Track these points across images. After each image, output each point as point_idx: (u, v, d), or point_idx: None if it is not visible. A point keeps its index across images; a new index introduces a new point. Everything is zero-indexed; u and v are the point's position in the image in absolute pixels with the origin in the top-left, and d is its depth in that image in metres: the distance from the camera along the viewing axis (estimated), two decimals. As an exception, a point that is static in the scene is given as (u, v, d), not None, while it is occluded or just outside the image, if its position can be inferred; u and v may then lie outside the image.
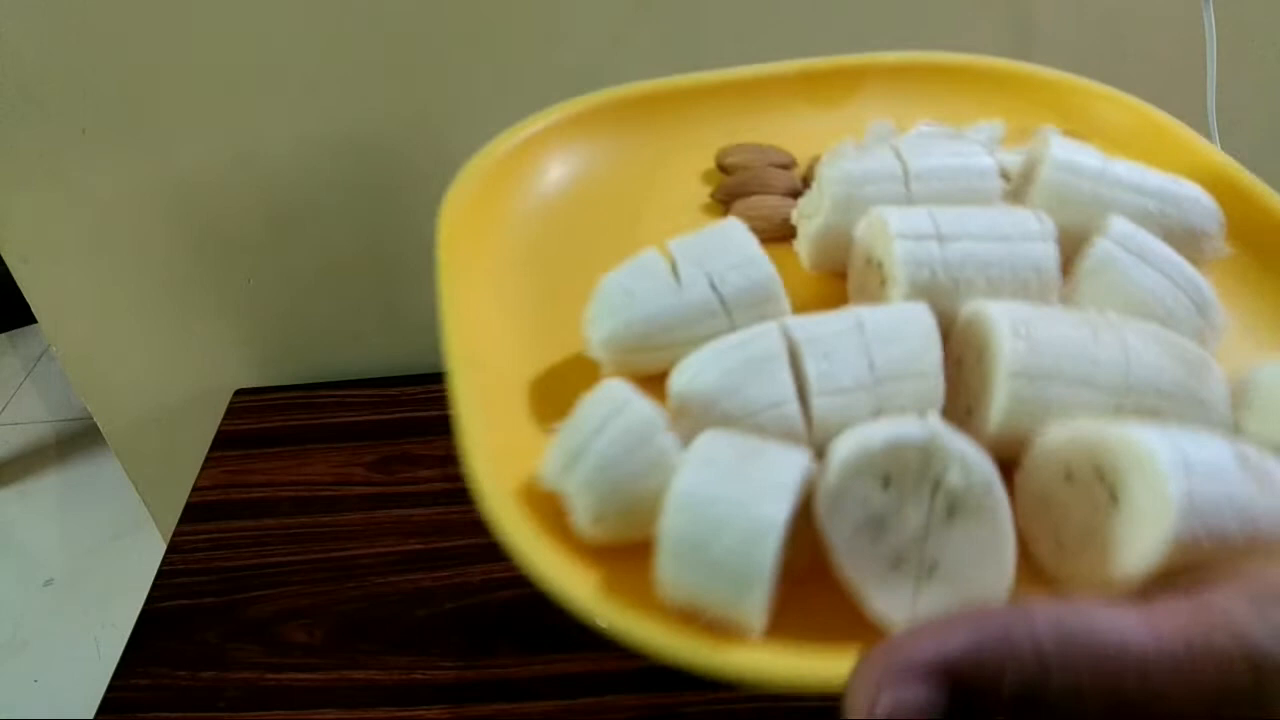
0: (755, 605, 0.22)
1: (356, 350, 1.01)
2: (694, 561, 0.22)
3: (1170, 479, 0.19)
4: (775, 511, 0.20)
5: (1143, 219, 0.27)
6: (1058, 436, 0.22)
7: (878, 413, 0.23)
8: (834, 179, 0.31)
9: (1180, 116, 0.82)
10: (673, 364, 0.26)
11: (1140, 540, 0.20)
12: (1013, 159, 0.32)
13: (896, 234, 0.26)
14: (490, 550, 0.80)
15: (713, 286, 0.27)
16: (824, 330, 0.25)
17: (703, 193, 0.36)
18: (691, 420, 0.23)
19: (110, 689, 0.72)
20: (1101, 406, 0.22)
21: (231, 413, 0.97)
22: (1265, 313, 0.28)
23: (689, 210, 0.36)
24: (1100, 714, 0.18)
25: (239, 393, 0.99)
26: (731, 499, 0.21)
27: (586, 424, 0.25)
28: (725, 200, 0.36)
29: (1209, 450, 0.20)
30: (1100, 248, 0.26)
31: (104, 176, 0.87)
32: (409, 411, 0.95)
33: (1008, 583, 0.20)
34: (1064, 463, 0.21)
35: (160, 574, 0.81)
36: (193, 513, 0.86)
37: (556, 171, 0.37)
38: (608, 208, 0.36)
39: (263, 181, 0.89)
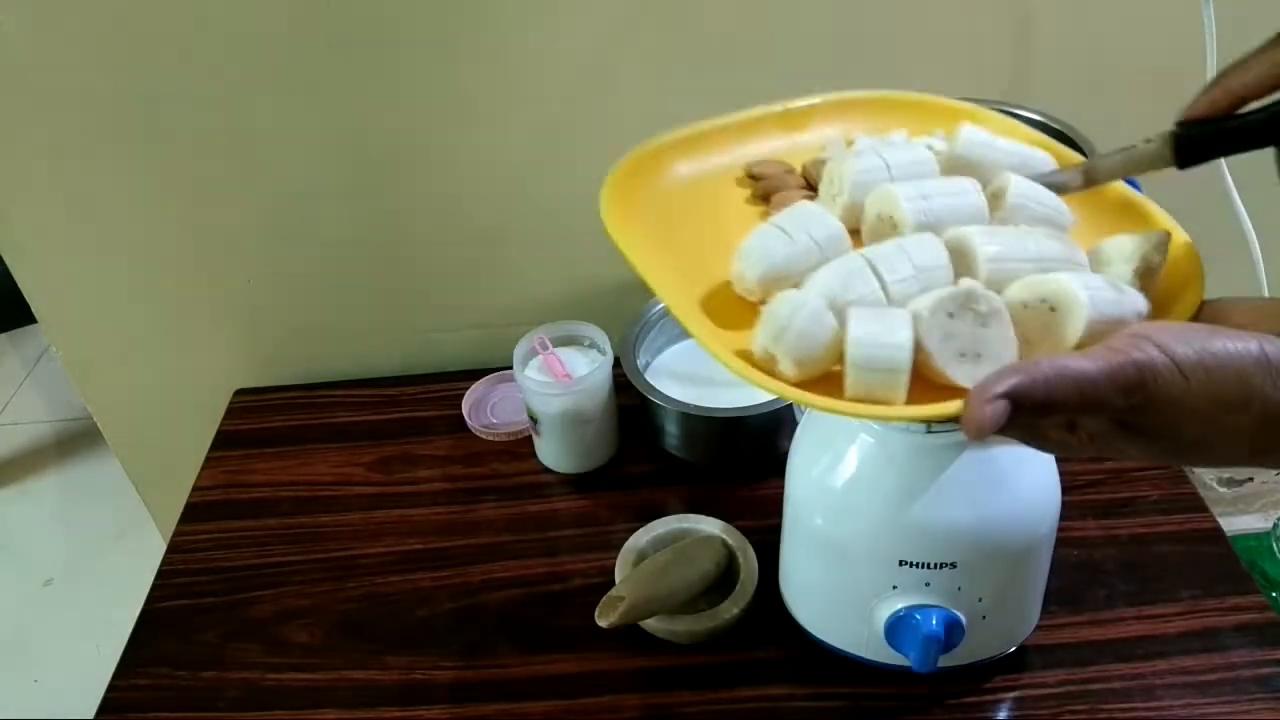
0: (900, 387, 0.39)
1: (356, 350, 1.01)
2: (867, 367, 0.39)
3: (1080, 294, 0.39)
4: (905, 335, 0.39)
5: (1018, 167, 0.50)
6: (1016, 287, 0.41)
7: (923, 289, 0.42)
8: (853, 171, 0.49)
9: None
10: (794, 288, 0.44)
11: (1071, 327, 0.40)
12: (939, 144, 0.52)
13: (904, 197, 0.46)
14: (490, 550, 0.81)
15: (811, 238, 0.46)
16: (883, 251, 0.44)
17: (744, 192, 0.53)
18: (834, 307, 0.42)
19: (110, 689, 0.72)
20: (1031, 270, 0.42)
21: (231, 413, 0.97)
22: (1083, 216, 0.49)
23: (740, 202, 0.53)
24: (1075, 409, 0.36)
25: (239, 393, 1.00)
26: (881, 334, 0.39)
27: (782, 313, 0.41)
28: (764, 196, 0.52)
29: (1093, 280, 0.40)
30: (1013, 194, 0.47)
31: (104, 176, 0.87)
32: (409, 411, 0.95)
33: (1015, 356, 0.40)
34: (1021, 300, 0.41)
35: (160, 574, 0.81)
36: (193, 513, 0.87)
37: (664, 171, 0.53)
38: (698, 197, 0.53)
39: (263, 182, 0.89)
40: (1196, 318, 0.42)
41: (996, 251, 0.42)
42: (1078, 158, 0.52)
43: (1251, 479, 1.30)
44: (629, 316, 0.88)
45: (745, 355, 0.43)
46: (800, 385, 0.41)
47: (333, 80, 0.83)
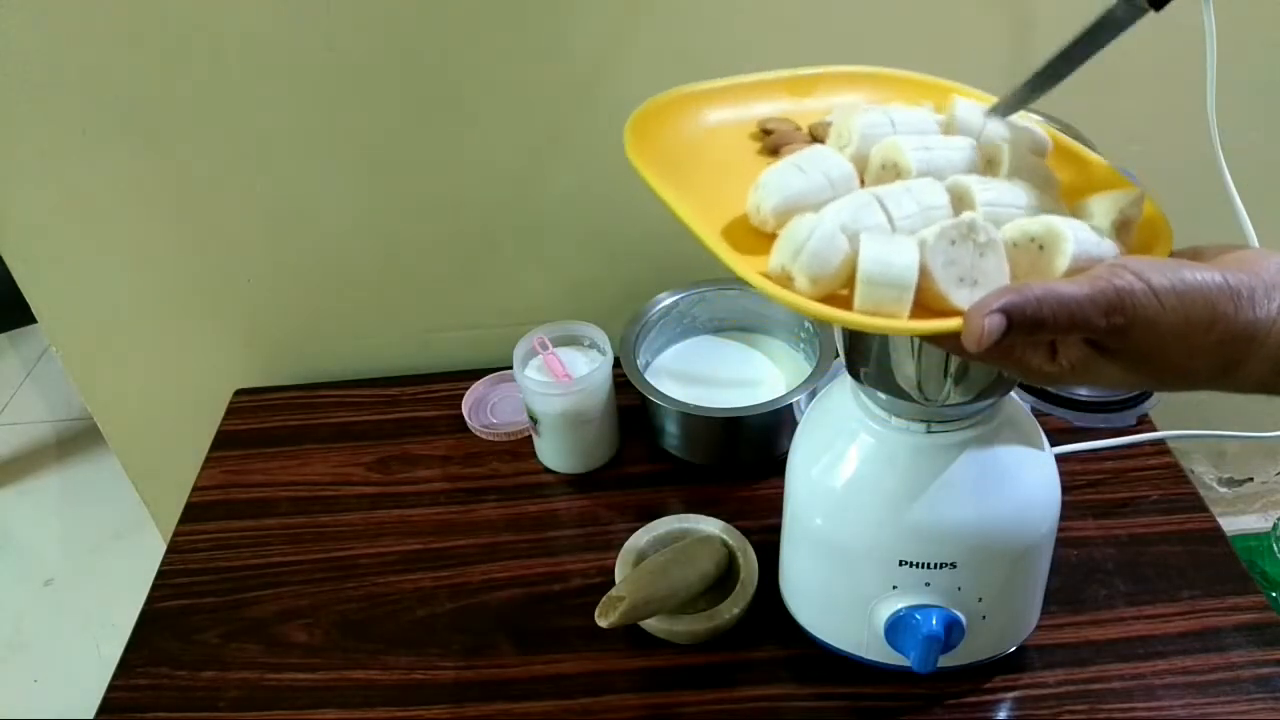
0: (905, 303, 0.43)
1: (356, 350, 1.01)
2: (877, 282, 0.43)
3: (1066, 232, 0.44)
4: (912, 256, 0.43)
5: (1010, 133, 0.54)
6: (1007, 228, 0.46)
7: (926, 224, 0.45)
8: (862, 123, 0.52)
9: (1180, 116, 0.82)
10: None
11: (1058, 263, 0.44)
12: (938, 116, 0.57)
13: (908, 148, 0.50)
14: (490, 550, 0.81)
15: (825, 175, 0.49)
16: (890, 191, 0.48)
17: (755, 145, 0.56)
18: (847, 233, 0.45)
19: (110, 689, 0.72)
20: (1021, 215, 0.47)
21: (231, 413, 0.97)
22: (1068, 180, 0.53)
23: (751, 153, 0.56)
24: (1062, 327, 0.40)
25: (239, 393, 1.00)
26: (891, 254, 0.43)
27: (799, 233, 0.44)
28: (773, 149, 0.55)
29: (1076, 223, 0.45)
30: (1007, 160, 0.51)
31: (104, 176, 0.87)
32: (409, 411, 0.95)
33: (1008, 281, 0.44)
34: (1013, 239, 0.45)
35: (160, 574, 0.81)
36: (193, 513, 0.87)
37: (683, 118, 0.57)
38: (712, 144, 0.56)
39: (263, 182, 0.89)
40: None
41: (992, 197, 0.47)
42: (1066, 140, 0.55)
43: (1251, 479, 1.30)
44: (629, 316, 0.88)
45: (762, 274, 0.46)
46: (813, 298, 0.44)
47: (332, 80, 0.83)
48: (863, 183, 0.51)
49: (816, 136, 0.55)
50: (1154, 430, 0.83)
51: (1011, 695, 0.66)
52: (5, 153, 0.85)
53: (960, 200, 0.47)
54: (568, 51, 0.83)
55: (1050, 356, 0.44)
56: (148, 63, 0.81)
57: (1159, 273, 0.40)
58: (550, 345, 0.85)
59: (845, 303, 0.44)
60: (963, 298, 0.43)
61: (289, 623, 0.76)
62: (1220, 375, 0.42)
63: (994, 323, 0.40)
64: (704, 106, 0.57)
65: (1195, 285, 0.40)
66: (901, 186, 0.47)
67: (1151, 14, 0.49)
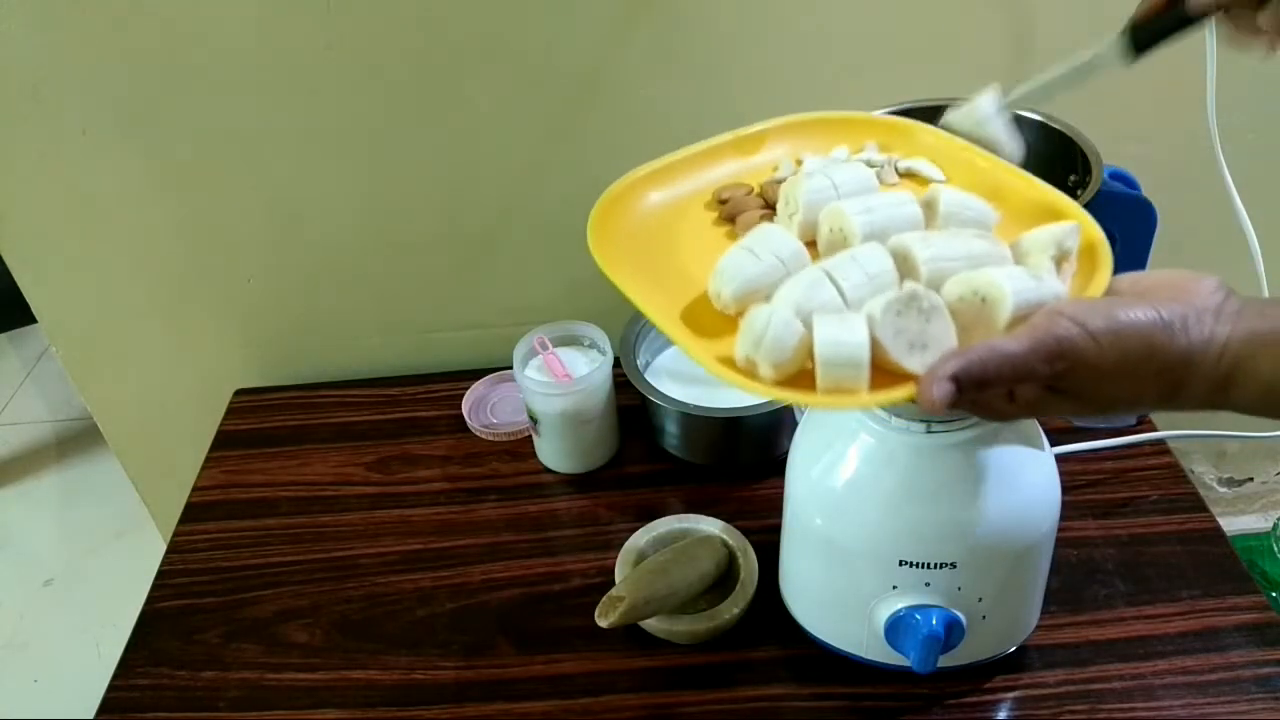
0: (863, 378, 0.45)
1: (356, 350, 1.01)
2: (834, 364, 0.45)
3: (1005, 286, 0.45)
4: (863, 334, 0.45)
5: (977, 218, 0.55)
6: (951, 284, 0.48)
7: (875, 292, 0.48)
8: (806, 190, 0.55)
9: (1180, 116, 0.82)
10: (764, 300, 0.49)
11: (1000, 315, 0.46)
12: (874, 155, 0.62)
13: (852, 213, 0.52)
14: (490, 550, 0.81)
15: (776, 256, 0.51)
16: (837, 262, 0.50)
17: (712, 214, 0.59)
18: (801, 315, 0.47)
19: (110, 689, 0.72)
20: (963, 267, 0.48)
21: (231, 413, 0.97)
22: (1007, 213, 0.55)
23: (710, 223, 0.59)
24: (1009, 380, 0.44)
25: (239, 393, 1.00)
26: (842, 334, 0.45)
27: (757, 324, 0.47)
28: (729, 218, 0.58)
29: (1014, 272, 0.47)
30: (944, 204, 0.53)
31: (104, 176, 0.87)
32: (409, 411, 0.95)
33: (955, 343, 0.46)
34: (958, 295, 0.47)
35: (160, 574, 0.81)
36: (193, 513, 0.87)
37: (641, 201, 0.59)
38: (671, 221, 0.59)
39: (263, 182, 0.89)
40: (1108, 292, 0.48)
41: (932, 254, 0.49)
42: (1053, 194, 0.57)
43: (1251, 479, 1.30)
44: (629, 316, 0.88)
45: (727, 361, 0.49)
46: (779, 384, 0.47)
47: (332, 80, 0.83)
48: (814, 245, 0.54)
49: (767, 198, 0.58)
50: (1154, 430, 0.83)
51: (1011, 695, 0.66)
52: (5, 153, 0.85)
53: (904, 260, 0.50)
54: (568, 52, 0.83)
55: (1008, 400, 0.46)
56: (148, 63, 0.81)
57: (1095, 315, 0.43)
58: (550, 345, 0.85)
59: (811, 377, 0.46)
60: (915, 362, 0.45)
61: (289, 623, 0.76)
62: (1166, 399, 0.44)
63: (943, 389, 0.43)
64: (660, 183, 0.60)
65: (1130, 323, 0.43)
66: (848, 256, 0.50)
67: (1130, 56, 0.55)
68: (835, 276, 0.49)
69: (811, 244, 0.54)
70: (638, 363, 0.85)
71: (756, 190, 0.60)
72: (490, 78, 0.84)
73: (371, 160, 0.89)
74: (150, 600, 0.79)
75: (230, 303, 0.97)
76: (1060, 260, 0.49)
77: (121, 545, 1.68)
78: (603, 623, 0.64)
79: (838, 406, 0.47)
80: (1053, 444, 0.63)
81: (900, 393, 0.45)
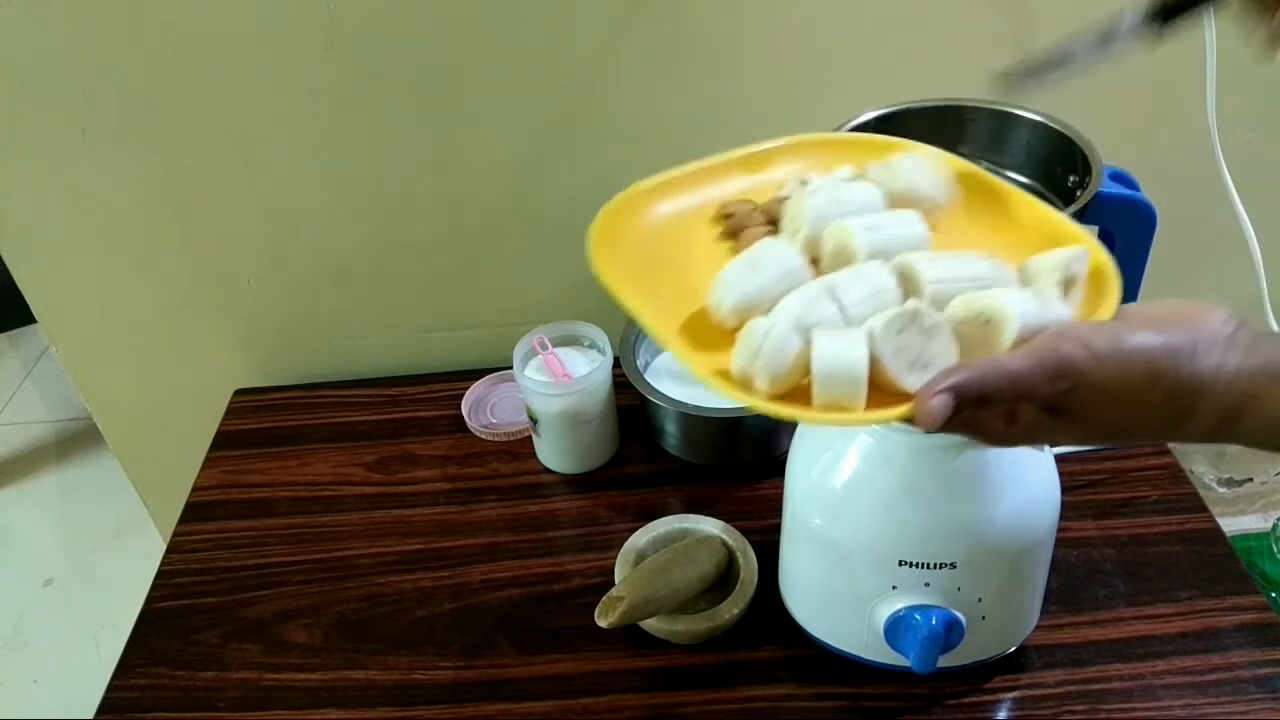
0: (859, 395, 0.44)
1: (356, 350, 1.01)
2: (831, 380, 0.45)
3: (1011, 308, 0.45)
4: (862, 351, 0.45)
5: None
6: (955, 303, 0.47)
7: (876, 310, 0.47)
8: (811, 208, 0.54)
9: (1180, 116, 0.82)
10: (763, 314, 0.49)
11: (1004, 336, 0.45)
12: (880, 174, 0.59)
13: (857, 230, 0.51)
14: (490, 550, 0.80)
15: (776, 270, 0.51)
16: (840, 279, 0.49)
17: (715, 230, 0.58)
18: (800, 329, 0.47)
19: (110, 689, 0.72)
20: (968, 288, 0.47)
21: (231, 413, 0.97)
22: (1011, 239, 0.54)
23: (713, 238, 0.58)
24: (1009, 398, 0.43)
25: (239, 393, 1.00)
26: (841, 351, 0.45)
27: (755, 337, 0.46)
28: (733, 232, 0.57)
29: (1020, 296, 0.46)
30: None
31: (104, 176, 0.87)
32: (409, 411, 0.95)
33: (956, 360, 0.45)
34: (962, 315, 0.46)
35: (160, 574, 0.81)
36: (193, 513, 0.87)
37: (644, 214, 0.58)
38: (673, 235, 0.58)
39: (263, 182, 0.89)
40: (1116, 318, 0.47)
41: (937, 274, 0.48)
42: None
43: (1251, 479, 1.30)
44: (629, 316, 0.88)
45: (724, 374, 0.48)
46: (774, 398, 0.46)
47: (332, 80, 0.83)
48: (817, 262, 0.53)
49: (771, 216, 0.58)
50: (1154, 430, 0.83)
51: (1011, 695, 0.66)
52: (5, 153, 0.85)
53: (908, 280, 0.49)
54: (568, 51, 0.83)
55: (1007, 422, 0.45)
56: (148, 63, 0.81)
57: (1100, 337, 0.42)
58: (550, 345, 0.85)
59: (806, 393, 0.46)
60: (914, 381, 0.44)
61: (289, 623, 0.76)
62: (1170, 428, 0.43)
63: (941, 402, 0.42)
64: (663, 198, 0.59)
65: (1136, 346, 0.42)
66: (851, 273, 0.50)
67: (1155, 29, 0.53)
68: (837, 292, 0.48)
69: (815, 262, 0.54)
70: (638, 363, 0.85)
71: (761, 206, 0.59)
72: (490, 78, 0.84)
73: (371, 160, 0.89)
74: (150, 600, 0.79)
75: (230, 303, 0.97)
76: (1067, 285, 0.48)
77: (121, 545, 1.68)
78: (603, 623, 0.64)
79: (832, 423, 0.47)
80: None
81: (896, 411, 0.44)
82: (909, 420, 0.43)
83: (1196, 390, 0.42)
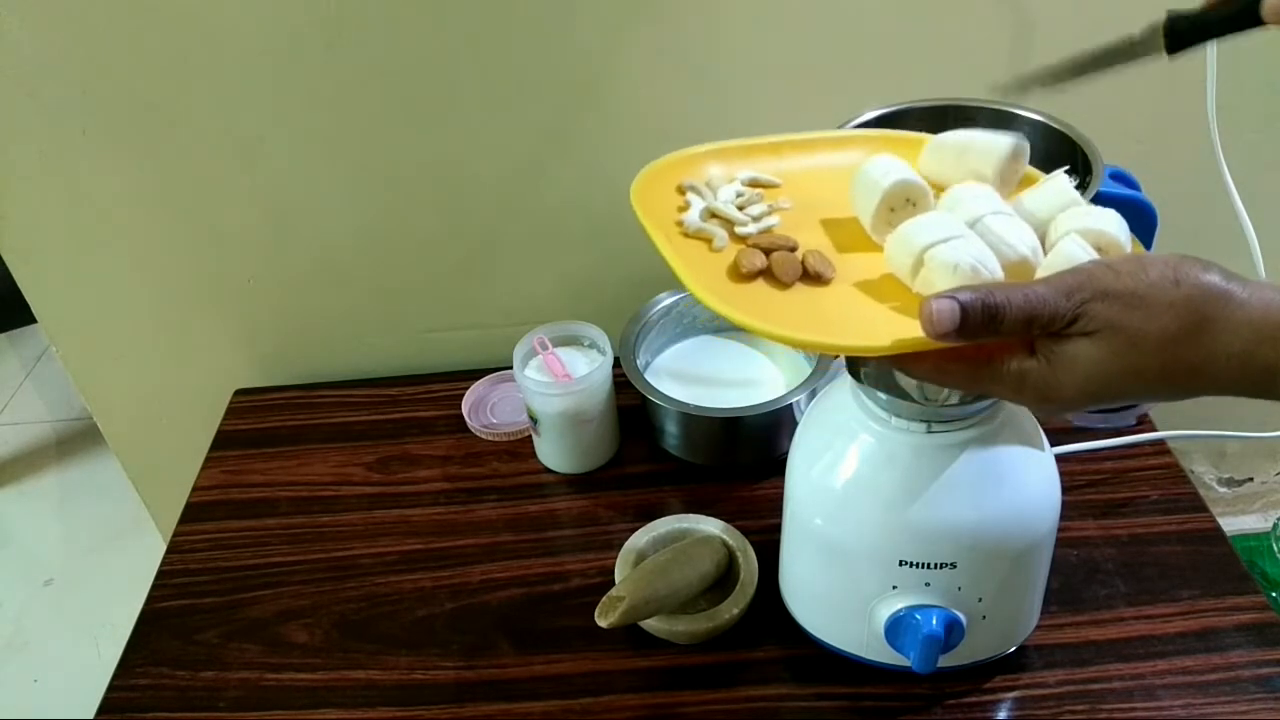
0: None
1: (356, 350, 1.01)
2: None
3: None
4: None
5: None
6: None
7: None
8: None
9: (1180, 116, 0.82)
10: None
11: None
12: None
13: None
14: (490, 550, 0.80)
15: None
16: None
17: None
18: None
19: (110, 689, 0.72)
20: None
21: (231, 413, 0.97)
22: None
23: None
24: (1022, 318, 0.41)
25: (239, 393, 1.00)
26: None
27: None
28: (765, 249, 0.55)
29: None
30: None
31: (104, 176, 0.87)
32: (409, 411, 0.95)
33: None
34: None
35: (160, 574, 0.81)
36: (193, 513, 0.87)
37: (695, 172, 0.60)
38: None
39: (263, 182, 0.89)
40: None
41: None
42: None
43: (1251, 479, 1.30)
44: (629, 316, 0.88)
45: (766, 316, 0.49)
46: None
47: (332, 81, 0.83)
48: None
49: (809, 267, 0.56)
50: (1154, 430, 0.83)
51: (1011, 695, 0.66)
52: (5, 153, 0.85)
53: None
54: (568, 51, 0.83)
55: (1029, 353, 0.43)
56: (148, 63, 0.81)
57: (1115, 257, 0.44)
58: (550, 345, 0.85)
59: (831, 324, 0.49)
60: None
61: (289, 623, 0.76)
62: (1196, 332, 0.40)
63: (945, 305, 0.40)
64: (718, 161, 0.60)
65: (1154, 256, 0.41)
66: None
67: (1154, 12, 0.52)
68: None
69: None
70: (638, 363, 0.85)
71: (800, 250, 0.56)
72: (490, 78, 0.84)
73: (371, 160, 0.89)
74: (150, 600, 0.79)
75: (230, 303, 0.97)
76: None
77: (121, 545, 1.68)
78: (603, 623, 0.64)
79: (852, 350, 0.49)
80: (1053, 444, 0.63)
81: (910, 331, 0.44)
82: (943, 369, 0.45)
83: (1225, 296, 0.40)
